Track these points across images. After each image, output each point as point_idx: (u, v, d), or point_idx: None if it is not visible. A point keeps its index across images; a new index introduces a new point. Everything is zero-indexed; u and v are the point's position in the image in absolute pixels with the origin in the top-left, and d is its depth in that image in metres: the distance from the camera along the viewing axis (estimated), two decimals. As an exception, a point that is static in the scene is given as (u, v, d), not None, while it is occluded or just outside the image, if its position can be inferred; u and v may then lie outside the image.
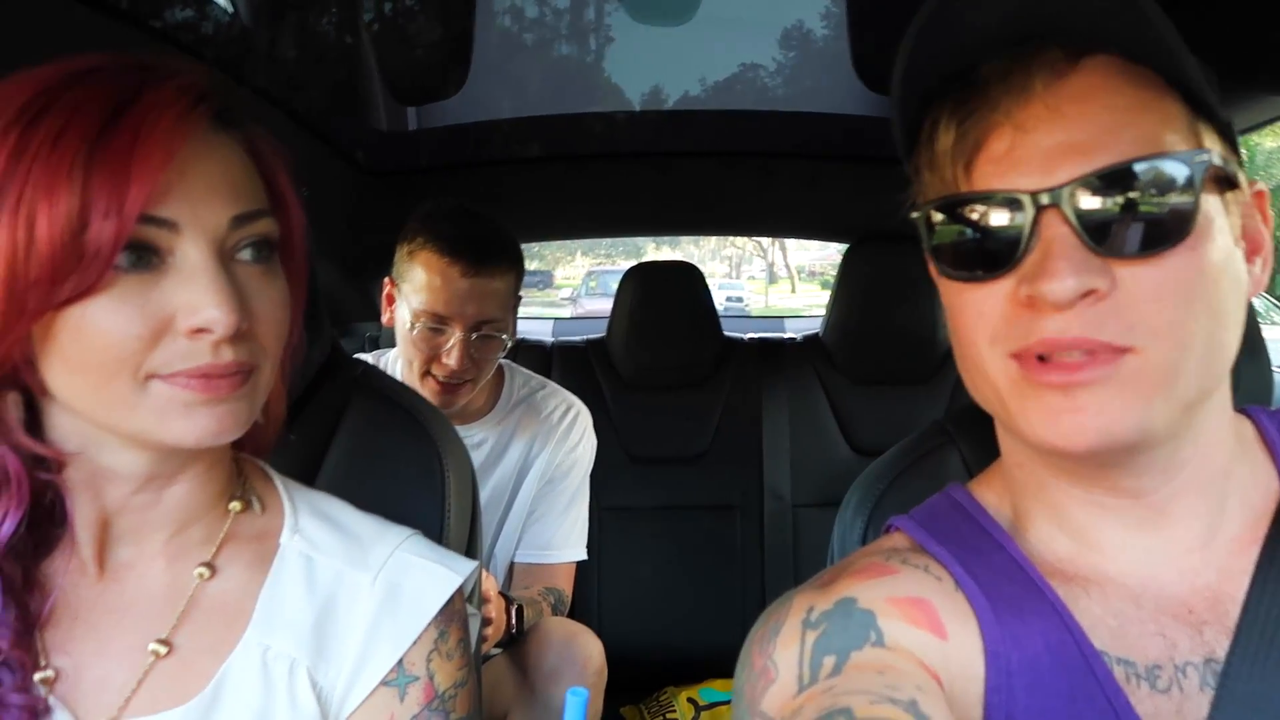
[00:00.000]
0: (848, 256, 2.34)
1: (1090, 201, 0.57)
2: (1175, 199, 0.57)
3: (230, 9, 1.65)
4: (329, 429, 1.06)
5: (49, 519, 0.69)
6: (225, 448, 0.76)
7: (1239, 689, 0.58)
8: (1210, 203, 0.59)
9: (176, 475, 0.72)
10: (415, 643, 0.75)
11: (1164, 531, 0.64)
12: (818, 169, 2.40)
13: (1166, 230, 0.57)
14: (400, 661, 0.74)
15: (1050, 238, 0.58)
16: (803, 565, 2.27)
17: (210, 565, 0.74)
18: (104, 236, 0.58)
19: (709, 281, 2.41)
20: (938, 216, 0.64)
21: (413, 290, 1.56)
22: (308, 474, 1.04)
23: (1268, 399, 1.10)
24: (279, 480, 0.82)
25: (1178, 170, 0.57)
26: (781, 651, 0.63)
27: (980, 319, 0.62)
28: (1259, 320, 1.04)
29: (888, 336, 2.22)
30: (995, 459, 0.75)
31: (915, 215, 0.67)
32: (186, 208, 0.62)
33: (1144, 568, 0.65)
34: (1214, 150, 0.60)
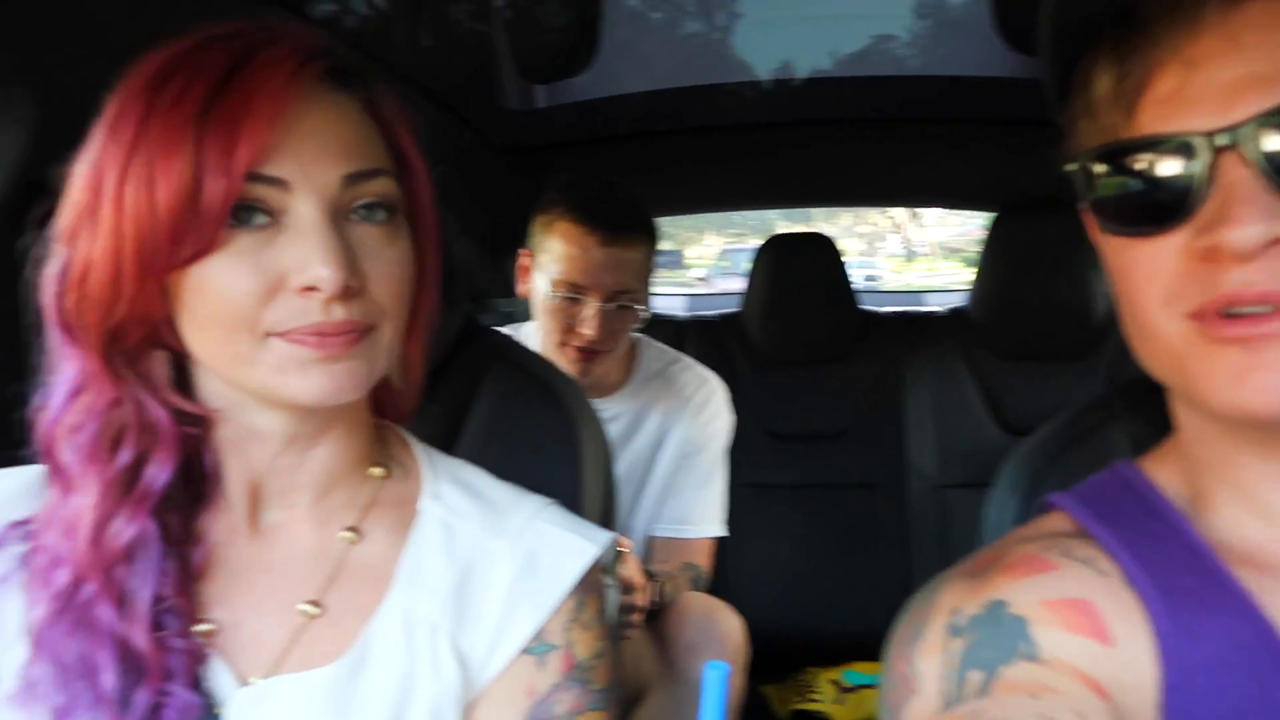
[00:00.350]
0: (996, 225, 2.21)
1: (1276, 140, 0.50)
2: None
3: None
4: (467, 398, 1.07)
5: (204, 476, 0.71)
6: (364, 414, 0.77)
7: None
8: None
9: (317, 438, 0.72)
10: (555, 612, 0.74)
11: None
12: (962, 133, 2.28)
13: None
14: (539, 630, 0.73)
15: (1231, 182, 0.51)
16: (951, 547, 2.18)
17: (355, 529, 0.74)
18: (215, 196, 0.59)
19: (843, 260, 2.34)
20: (1098, 168, 0.58)
21: (550, 260, 1.57)
22: (446, 443, 1.04)
23: None
24: (419, 447, 0.83)
25: None
26: (924, 659, 0.58)
27: (1151, 278, 0.55)
28: None
29: (1040, 309, 2.10)
30: (1167, 436, 0.67)
31: (1072, 168, 0.60)
32: (297, 166, 0.62)
33: None
34: None
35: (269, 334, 0.63)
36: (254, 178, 0.60)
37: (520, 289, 1.69)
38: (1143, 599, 0.57)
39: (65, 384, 0.66)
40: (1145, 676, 0.55)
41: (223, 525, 0.73)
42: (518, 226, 1.70)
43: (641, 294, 1.61)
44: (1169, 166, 0.53)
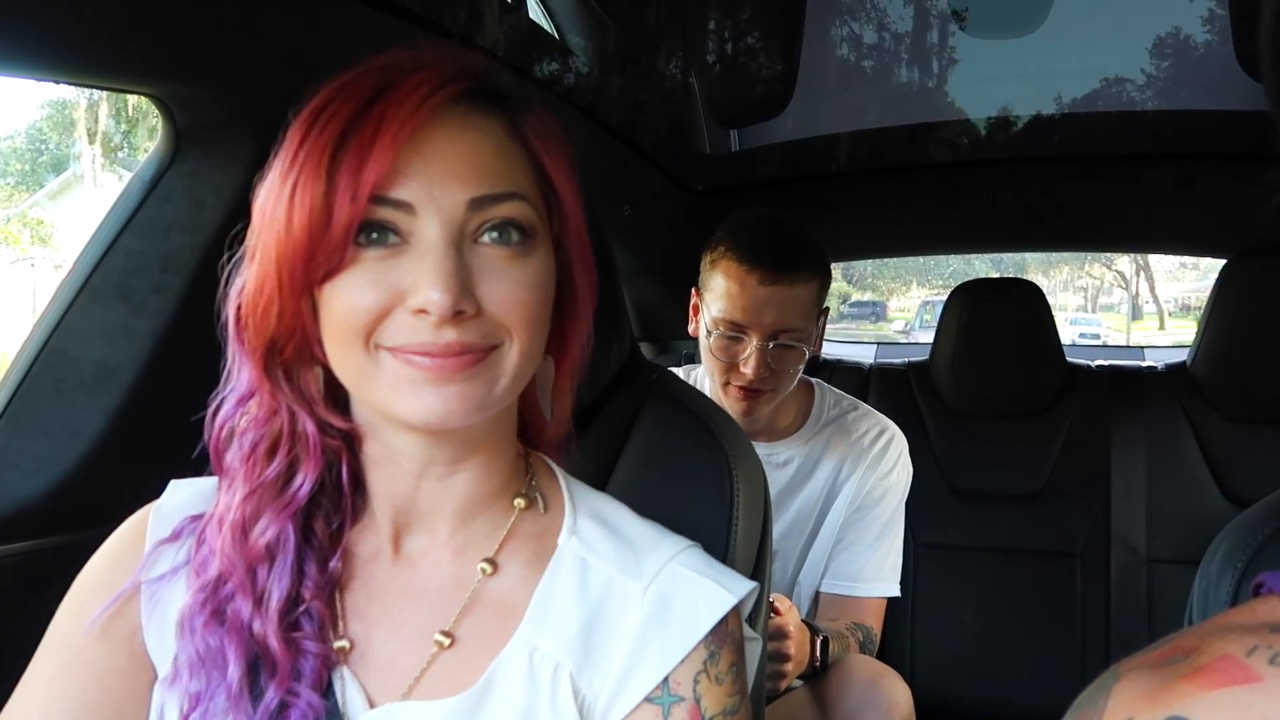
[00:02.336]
0: (1227, 272, 2.00)
1: None
2: None
3: (585, 61, 1.79)
4: (623, 432, 1.07)
5: (354, 489, 0.74)
6: (509, 442, 0.78)
7: None
8: None
9: (457, 464, 0.73)
10: (683, 661, 0.71)
11: None
12: (1190, 170, 2.09)
13: None
14: (666, 679, 0.71)
15: None
16: (1157, 630, 1.96)
17: (493, 561, 0.75)
18: (342, 217, 0.61)
19: (1060, 315, 2.17)
20: None
21: (713, 298, 1.56)
22: (601, 475, 1.04)
23: None
24: (564, 479, 0.82)
25: None
26: None
27: None
28: None
29: (1276, 364, 1.86)
30: None
31: None
32: (423, 189, 0.63)
33: None
34: None
35: (380, 347, 0.65)
36: (380, 200, 0.62)
37: (691, 328, 1.69)
38: None
39: (237, 392, 0.72)
40: None
41: (370, 544, 0.75)
42: None
43: (806, 333, 1.56)
44: None
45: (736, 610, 0.75)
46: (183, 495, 0.78)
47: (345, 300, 0.64)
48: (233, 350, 0.71)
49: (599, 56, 1.88)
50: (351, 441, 0.73)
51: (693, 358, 2.38)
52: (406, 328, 0.64)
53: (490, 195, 0.65)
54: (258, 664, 0.68)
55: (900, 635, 2.07)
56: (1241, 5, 1.79)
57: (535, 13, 1.74)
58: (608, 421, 1.06)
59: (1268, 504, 0.83)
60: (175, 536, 0.74)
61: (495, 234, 0.66)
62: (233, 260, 0.70)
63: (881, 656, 1.67)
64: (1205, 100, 2.04)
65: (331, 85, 0.65)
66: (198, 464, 0.75)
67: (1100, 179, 2.17)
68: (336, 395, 0.72)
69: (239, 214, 0.70)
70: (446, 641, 0.71)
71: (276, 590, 0.69)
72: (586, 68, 1.83)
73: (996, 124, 2.17)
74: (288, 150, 0.64)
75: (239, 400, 0.71)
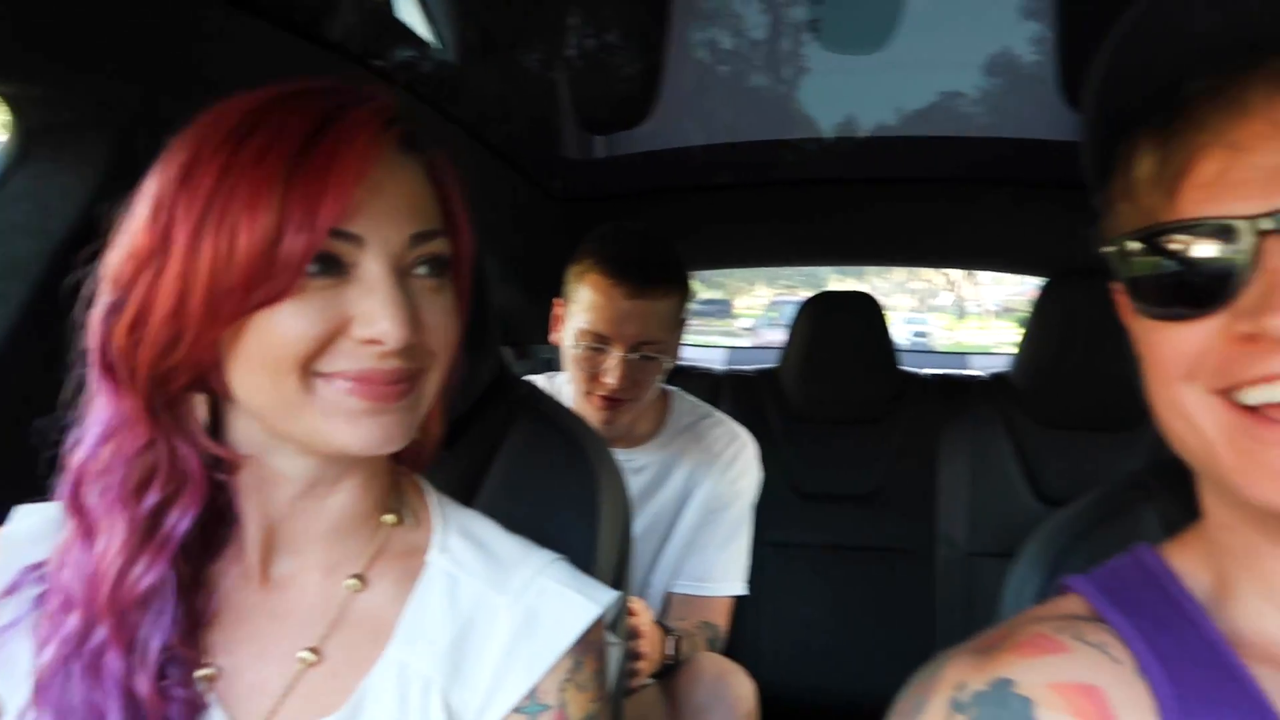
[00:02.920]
0: (1045, 290, 2.18)
1: None
2: None
3: (441, 48, 1.76)
4: (491, 448, 1.09)
5: (220, 521, 0.73)
6: (385, 459, 0.78)
7: None
8: None
9: (338, 482, 0.74)
10: (549, 671, 0.74)
11: None
12: (1017, 196, 2.27)
13: None
14: (533, 689, 0.74)
15: (1276, 267, 0.51)
16: (977, 618, 2.12)
17: (361, 577, 0.76)
18: (296, 248, 0.62)
19: (894, 315, 2.31)
20: (1135, 248, 0.58)
21: (579, 310, 1.59)
22: (468, 491, 1.06)
23: None
24: (433, 496, 0.84)
25: None
26: None
27: (1178, 356, 0.56)
28: None
29: (1086, 378, 2.05)
30: (1196, 520, 0.66)
31: (1110, 250, 0.60)
32: (372, 224, 0.65)
33: None
34: None
35: (317, 375, 0.65)
36: (334, 233, 0.63)
37: (553, 337, 1.71)
38: (1154, 691, 0.56)
39: (99, 426, 0.69)
40: None
41: (234, 573, 0.74)
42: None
43: (668, 345, 1.62)
44: (1210, 250, 0.53)
45: (600, 619, 0.79)
46: (31, 523, 0.75)
47: (288, 328, 0.64)
48: (95, 381, 0.68)
49: (462, 52, 1.86)
50: (229, 470, 0.72)
51: (552, 364, 2.40)
52: (349, 355, 0.65)
53: (426, 231, 0.69)
54: (127, 716, 0.66)
55: (746, 631, 2.16)
56: (1068, 41, 1.94)
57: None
58: (476, 436, 1.08)
59: (1071, 512, 0.93)
60: (13, 589, 0.71)
61: (426, 268, 0.69)
62: (85, 277, 0.68)
63: (729, 652, 1.75)
64: (1032, 127, 2.20)
65: (247, 107, 0.65)
66: (39, 486, 0.72)
67: (938, 200, 2.32)
68: (215, 424, 0.71)
69: (90, 222, 0.68)
70: (312, 658, 0.72)
71: (153, 639, 0.67)
72: (446, 61, 1.81)
73: (844, 143, 2.28)
74: (203, 171, 0.63)
75: (105, 435, 0.68)
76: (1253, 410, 0.53)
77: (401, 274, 0.67)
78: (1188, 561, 0.65)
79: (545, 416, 1.13)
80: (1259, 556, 0.59)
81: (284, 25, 1.19)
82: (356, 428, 0.66)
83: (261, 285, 0.62)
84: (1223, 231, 0.52)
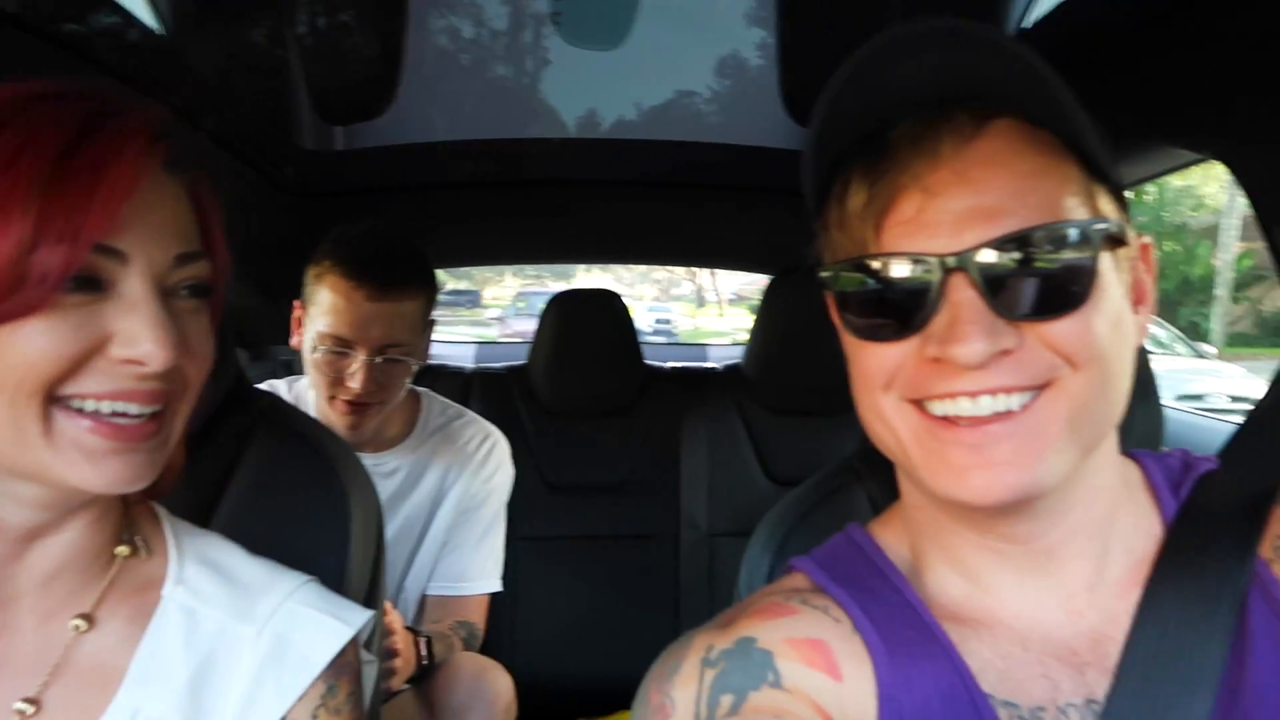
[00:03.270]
0: (770, 288, 2.37)
1: (996, 265, 0.59)
2: (1076, 262, 0.60)
3: (155, 22, 1.61)
4: (230, 464, 1.03)
5: None
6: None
7: None
8: (1105, 261, 0.62)
9: (63, 524, 0.69)
10: (301, 698, 0.73)
11: (1052, 575, 0.67)
12: (745, 201, 2.43)
13: (1067, 292, 0.60)
14: (284, 718, 0.72)
15: (958, 301, 0.59)
16: (719, 595, 2.28)
17: (88, 617, 0.70)
18: (53, 261, 0.57)
19: (638, 304, 2.41)
20: (846, 273, 0.66)
21: (319, 313, 1.53)
22: (205, 512, 1.00)
23: (1158, 438, 1.14)
24: (168, 523, 0.79)
25: (1078, 235, 0.60)
26: (680, 689, 0.64)
27: (880, 370, 0.64)
28: (1149, 356, 1.08)
29: (807, 368, 2.24)
30: (897, 500, 0.77)
31: (825, 274, 0.68)
32: (137, 241, 0.62)
33: (1033, 610, 0.67)
34: (1109, 213, 0.63)
35: (60, 405, 0.61)
36: (97, 248, 0.59)
37: (294, 341, 1.64)
38: (868, 646, 0.66)
39: None
40: (866, 713, 0.63)
41: None
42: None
43: (414, 347, 1.59)
44: (907, 282, 0.62)
45: (354, 640, 0.78)
46: None
47: (34, 346, 0.59)
48: None
49: (175, 23, 1.71)
50: None
51: (291, 367, 2.29)
52: (103, 375, 0.61)
53: (190, 253, 0.66)
54: None
55: (502, 626, 2.19)
56: (788, 50, 2.09)
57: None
58: (213, 452, 1.02)
59: (793, 498, 1.03)
60: None
61: (188, 290, 0.66)
62: None
63: (486, 648, 1.76)
64: (758, 133, 2.36)
65: None
66: None
67: (674, 202, 2.44)
68: None
69: None
70: (30, 710, 0.66)
71: None
72: (156, 33, 1.66)
73: (588, 144, 2.34)
74: None
75: None
76: (938, 418, 0.62)
77: (164, 294, 0.64)
78: (890, 536, 0.76)
79: (287, 426, 1.08)
80: (944, 532, 0.70)
81: None
82: (99, 468, 0.62)
83: (8, 298, 0.57)
84: (918, 265, 0.61)
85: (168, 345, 0.62)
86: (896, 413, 0.64)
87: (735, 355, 2.62)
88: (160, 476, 0.76)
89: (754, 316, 2.43)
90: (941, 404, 0.61)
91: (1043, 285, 0.59)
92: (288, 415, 1.10)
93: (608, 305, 2.34)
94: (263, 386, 1.71)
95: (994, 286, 0.59)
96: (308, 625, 0.76)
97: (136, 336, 0.61)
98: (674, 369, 2.54)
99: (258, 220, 2.12)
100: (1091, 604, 0.66)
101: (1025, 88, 0.60)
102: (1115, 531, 0.68)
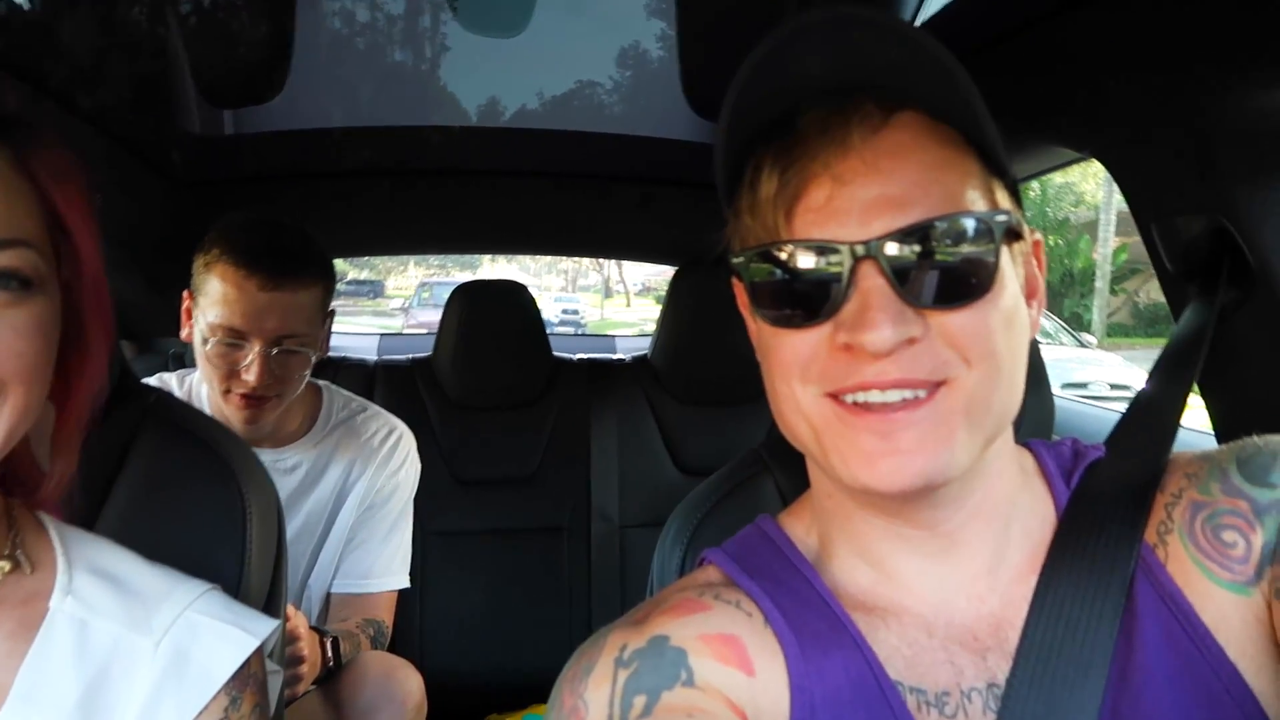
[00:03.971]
0: (676, 280, 2.38)
1: (903, 254, 0.60)
2: (979, 254, 0.61)
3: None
4: (113, 465, 0.98)
5: None
6: None
7: (1018, 710, 0.62)
8: (1004, 255, 0.63)
9: None
10: (202, 712, 0.70)
11: (954, 561, 0.68)
12: (649, 193, 2.43)
13: (972, 283, 0.61)
14: None
15: (868, 288, 0.60)
16: (630, 586, 2.29)
17: None
18: None
19: (545, 295, 2.39)
20: (756, 260, 0.66)
21: (209, 303, 1.47)
22: (90, 511, 0.94)
23: (1050, 425, 1.19)
24: (55, 532, 0.75)
25: (982, 227, 0.62)
26: (593, 691, 0.63)
27: (795, 360, 0.65)
28: (1041, 347, 1.13)
29: (714, 358, 2.26)
30: (809, 488, 0.78)
31: (736, 260, 0.68)
32: None
33: (937, 596, 0.68)
34: (1008, 207, 0.65)
35: None
36: None
37: (184, 333, 1.57)
38: (779, 639, 0.66)
39: None
40: (779, 707, 0.64)
41: None
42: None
43: (312, 337, 1.54)
44: (817, 269, 0.62)
45: (259, 650, 0.75)
46: None
47: None
48: None
49: (59, 16, 1.62)
50: None
51: (182, 359, 2.20)
52: None
53: None
54: None
55: (411, 623, 2.15)
56: (687, 41, 2.10)
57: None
58: (96, 451, 0.96)
59: (703, 489, 1.03)
60: None
61: None
62: None
63: (394, 646, 1.73)
64: (661, 124, 2.37)
65: None
66: None
67: (575, 194, 2.42)
68: None
69: None
70: None
71: None
72: (23, 6, 1.56)
73: (489, 132, 2.30)
74: None
75: None
76: (850, 405, 0.62)
77: None
78: (799, 527, 0.77)
79: (177, 422, 1.03)
80: (851, 520, 0.71)
81: None
82: None
83: None
84: (828, 252, 0.61)
85: None
86: (811, 403, 0.64)
87: (643, 346, 2.63)
88: (46, 485, 0.72)
89: (661, 307, 2.44)
90: (853, 395, 0.62)
91: (948, 275, 0.61)
92: (178, 411, 1.05)
93: (514, 296, 2.32)
94: (151, 381, 1.63)
95: (902, 275, 0.60)
96: (209, 636, 0.72)
97: None
98: (582, 360, 2.53)
99: (141, 208, 2.02)
100: (992, 589, 0.68)
101: (930, 77, 0.61)
102: (1013, 517, 0.70)
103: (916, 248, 0.60)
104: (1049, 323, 10.87)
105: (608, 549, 2.31)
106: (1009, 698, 0.62)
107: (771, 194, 0.64)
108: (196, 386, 1.66)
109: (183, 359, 2.21)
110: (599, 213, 2.52)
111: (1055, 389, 1.30)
